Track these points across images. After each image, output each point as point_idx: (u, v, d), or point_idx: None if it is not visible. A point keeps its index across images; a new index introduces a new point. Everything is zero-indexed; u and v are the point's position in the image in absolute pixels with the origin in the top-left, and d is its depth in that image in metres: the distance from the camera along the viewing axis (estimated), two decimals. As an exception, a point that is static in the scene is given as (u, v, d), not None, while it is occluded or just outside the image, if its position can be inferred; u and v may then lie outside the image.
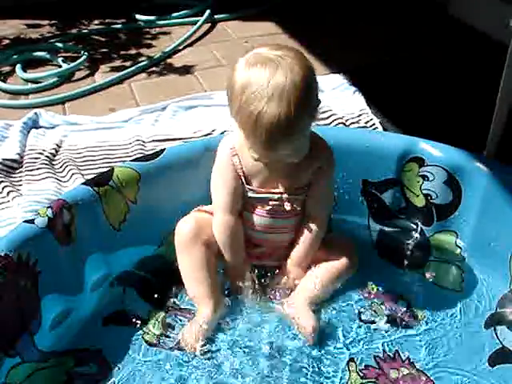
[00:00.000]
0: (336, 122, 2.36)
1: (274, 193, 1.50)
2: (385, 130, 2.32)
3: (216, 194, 1.54)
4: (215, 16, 3.63)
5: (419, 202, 1.74)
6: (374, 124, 2.38)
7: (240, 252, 1.56)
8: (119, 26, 3.58)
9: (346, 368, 1.39)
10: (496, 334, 1.47)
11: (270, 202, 1.51)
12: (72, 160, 2.21)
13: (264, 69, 1.29)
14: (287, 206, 1.50)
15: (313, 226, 1.55)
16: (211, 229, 1.54)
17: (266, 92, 1.27)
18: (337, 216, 1.75)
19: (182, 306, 1.55)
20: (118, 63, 3.10)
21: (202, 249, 1.52)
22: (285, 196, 1.50)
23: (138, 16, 3.63)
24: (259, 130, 1.29)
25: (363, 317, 1.52)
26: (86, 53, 3.12)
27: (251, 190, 1.50)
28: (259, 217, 1.53)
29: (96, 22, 3.65)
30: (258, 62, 1.31)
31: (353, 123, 2.39)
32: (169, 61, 3.13)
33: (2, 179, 2.08)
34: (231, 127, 1.45)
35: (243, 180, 1.49)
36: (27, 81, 2.92)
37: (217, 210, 1.53)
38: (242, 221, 1.55)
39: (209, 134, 2.33)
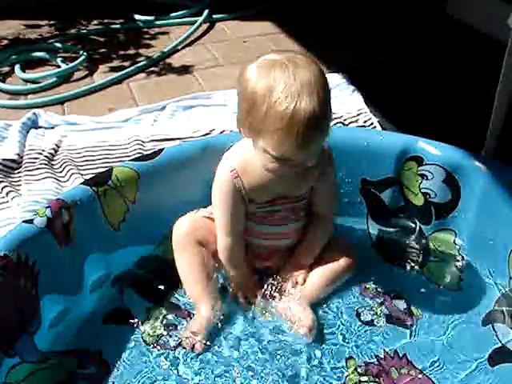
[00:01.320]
0: (335, 122, 2.36)
1: (277, 204, 1.50)
2: (383, 129, 2.32)
3: (217, 215, 1.52)
4: (214, 16, 3.62)
5: (418, 200, 1.74)
6: (372, 123, 2.38)
7: (239, 266, 1.56)
8: (118, 26, 3.57)
9: (345, 367, 1.39)
10: (495, 332, 1.47)
11: (275, 215, 1.52)
12: (71, 160, 2.21)
13: (285, 68, 1.26)
14: (292, 215, 1.52)
15: (322, 225, 1.58)
16: (208, 229, 1.54)
17: (296, 88, 1.24)
18: (336, 215, 1.76)
19: (182, 306, 1.55)
20: (116, 63, 3.10)
21: (199, 248, 1.53)
22: (288, 206, 1.51)
23: (136, 16, 3.62)
24: (295, 128, 1.23)
25: (362, 317, 1.52)
26: (84, 53, 3.11)
27: (255, 205, 1.50)
28: (263, 225, 1.54)
29: (95, 22, 3.64)
30: (274, 65, 1.28)
31: (351, 122, 2.39)
32: (168, 61, 3.13)
33: (2, 179, 2.08)
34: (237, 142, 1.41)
35: (246, 200, 1.48)
36: (26, 81, 2.92)
37: (218, 230, 1.53)
38: (244, 231, 1.54)
39: (207, 133, 2.33)
